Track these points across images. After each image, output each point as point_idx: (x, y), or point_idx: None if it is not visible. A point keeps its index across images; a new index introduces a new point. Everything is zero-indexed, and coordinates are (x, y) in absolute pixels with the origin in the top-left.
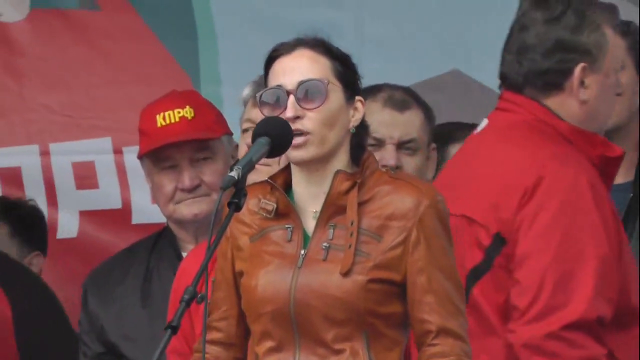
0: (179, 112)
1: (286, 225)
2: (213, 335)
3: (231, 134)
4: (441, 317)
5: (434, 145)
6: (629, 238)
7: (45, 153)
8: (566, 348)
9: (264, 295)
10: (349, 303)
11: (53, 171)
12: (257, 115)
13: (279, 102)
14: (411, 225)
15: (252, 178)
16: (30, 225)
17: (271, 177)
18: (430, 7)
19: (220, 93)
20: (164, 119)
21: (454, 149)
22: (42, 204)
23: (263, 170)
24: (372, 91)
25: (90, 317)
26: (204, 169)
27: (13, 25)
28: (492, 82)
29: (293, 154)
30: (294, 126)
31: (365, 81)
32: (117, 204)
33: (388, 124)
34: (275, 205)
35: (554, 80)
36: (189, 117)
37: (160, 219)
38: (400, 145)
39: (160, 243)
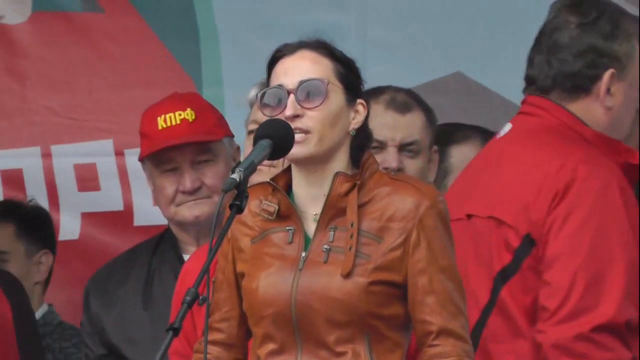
0: (180, 115)
1: (287, 227)
2: (214, 336)
3: (232, 136)
4: (442, 317)
5: (435, 147)
6: None
7: (47, 155)
8: (595, 350)
9: (265, 297)
10: (350, 305)
11: (55, 173)
12: (263, 117)
13: (280, 102)
14: (411, 226)
15: (256, 179)
16: (37, 224)
17: (273, 179)
18: (433, 10)
19: (222, 95)
20: (165, 121)
21: (453, 151)
22: (44, 206)
23: (267, 172)
24: (375, 93)
25: (92, 319)
26: (205, 171)
27: (15, 27)
28: (495, 84)
29: (292, 150)
30: (294, 125)
31: (368, 84)
32: (118, 206)
33: (390, 126)
34: (276, 207)
35: (582, 83)
36: (190, 120)
37: (162, 221)
38: (402, 148)
39: (161, 245)
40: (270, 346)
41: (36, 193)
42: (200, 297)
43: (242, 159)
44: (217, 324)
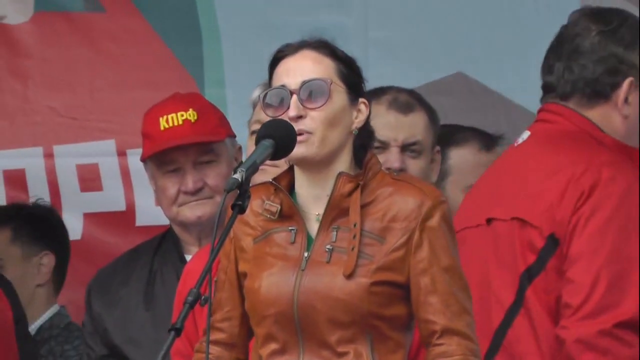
0: (182, 115)
1: (290, 227)
2: (215, 335)
3: (234, 136)
4: (446, 317)
5: (438, 147)
6: None
7: (49, 155)
8: (618, 345)
9: (268, 297)
10: (353, 305)
11: (57, 173)
12: (266, 117)
13: (282, 103)
14: (414, 227)
15: (260, 179)
16: (37, 225)
17: (275, 179)
18: (435, 11)
19: (224, 96)
20: (167, 122)
21: (452, 153)
22: None
23: (271, 171)
24: (377, 94)
25: (94, 320)
26: (208, 171)
27: (17, 27)
28: (496, 84)
29: (294, 151)
30: (297, 126)
31: (371, 84)
32: (121, 206)
33: (392, 126)
34: (279, 207)
35: (602, 89)
36: (193, 120)
37: (164, 221)
38: (405, 148)
39: (163, 245)
40: (273, 346)
41: (38, 193)
42: (202, 297)
43: (244, 159)
44: (218, 324)
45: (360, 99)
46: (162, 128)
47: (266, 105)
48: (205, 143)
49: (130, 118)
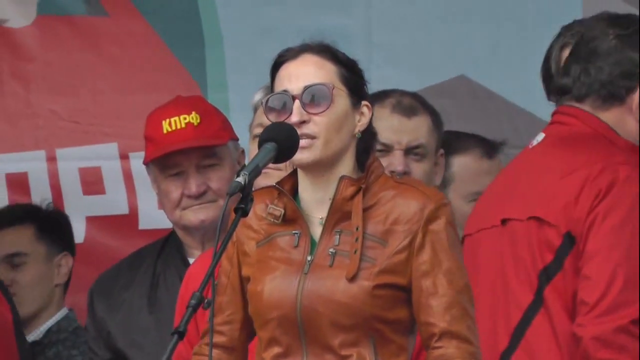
0: (185, 118)
1: (293, 231)
2: (216, 338)
3: (237, 139)
4: (445, 320)
5: (442, 151)
6: None
7: (51, 158)
8: (634, 342)
9: (271, 301)
10: (356, 308)
11: (60, 177)
12: (268, 120)
13: (285, 108)
14: (416, 229)
15: (263, 182)
16: (57, 226)
17: (279, 183)
18: (437, 14)
19: (227, 100)
20: (170, 125)
21: (454, 160)
22: None
23: (274, 175)
24: (380, 97)
25: (97, 324)
26: (211, 175)
27: (20, 31)
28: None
29: (297, 156)
30: (300, 131)
31: (373, 87)
32: (123, 209)
33: (396, 129)
34: (282, 211)
35: (617, 92)
36: (195, 123)
37: (167, 224)
38: (408, 151)
39: (166, 249)
40: (276, 349)
41: (41, 197)
42: (205, 301)
43: (247, 162)
44: (218, 327)
45: (363, 102)
46: (164, 131)
47: (269, 110)
48: (208, 146)
49: (132, 121)
